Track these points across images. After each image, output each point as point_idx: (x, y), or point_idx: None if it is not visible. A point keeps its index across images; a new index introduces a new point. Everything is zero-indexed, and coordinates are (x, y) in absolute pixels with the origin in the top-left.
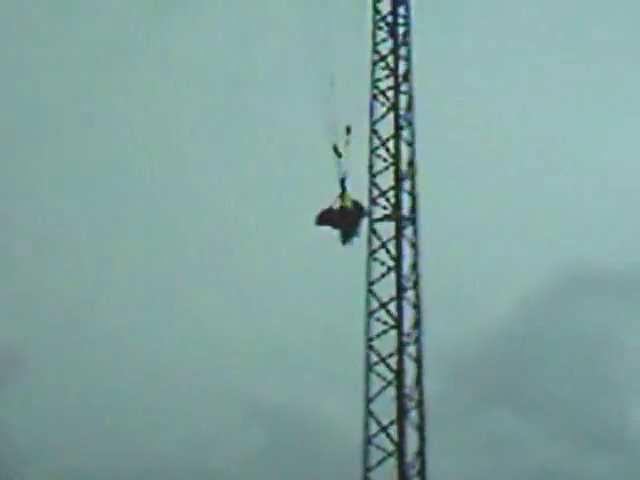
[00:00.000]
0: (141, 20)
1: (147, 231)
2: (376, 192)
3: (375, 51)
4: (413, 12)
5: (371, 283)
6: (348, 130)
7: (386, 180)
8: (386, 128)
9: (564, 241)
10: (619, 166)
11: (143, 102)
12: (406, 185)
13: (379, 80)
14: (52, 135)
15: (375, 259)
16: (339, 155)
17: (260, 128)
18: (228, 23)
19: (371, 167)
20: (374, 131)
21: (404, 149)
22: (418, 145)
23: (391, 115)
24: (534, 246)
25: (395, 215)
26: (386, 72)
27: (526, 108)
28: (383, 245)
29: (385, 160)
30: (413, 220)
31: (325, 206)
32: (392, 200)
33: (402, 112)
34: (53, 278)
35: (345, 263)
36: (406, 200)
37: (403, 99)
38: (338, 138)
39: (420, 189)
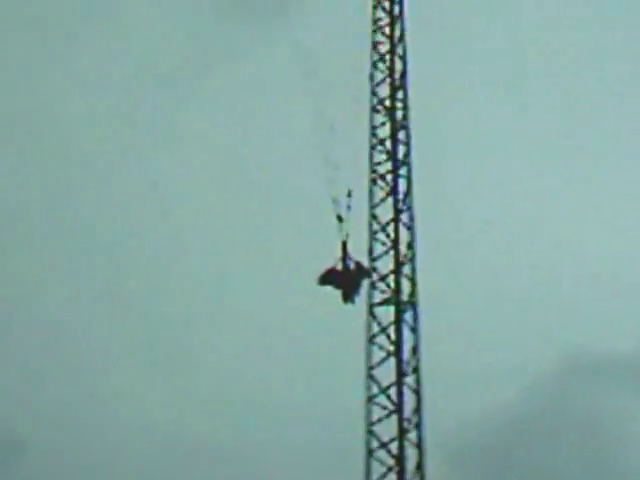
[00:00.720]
0: (156, 94)
1: (144, 295)
2: (376, 276)
3: (373, 134)
4: (411, 96)
5: (371, 368)
6: (349, 194)
7: (386, 264)
8: (385, 212)
9: (569, 324)
10: (622, 251)
11: (152, 174)
12: (406, 269)
13: (378, 164)
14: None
15: (374, 343)
16: (341, 220)
17: (267, 193)
18: (241, 106)
19: (370, 251)
20: (373, 216)
21: (403, 233)
22: (418, 229)
23: (390, 199)
24: (538, 330)
25: (395, 299)
26: (384, 156)
27: (531, 193)
28: (383, 330)
29: (384, 244)
30: (413, 304)
31: (328, 266)
32: (392, 284)
33: (401, 196)
34: (52, 361)
35: (345, 345)
36: (406, 284)
37: (402, 182)
38: (340, 206)
39: (420, 273)
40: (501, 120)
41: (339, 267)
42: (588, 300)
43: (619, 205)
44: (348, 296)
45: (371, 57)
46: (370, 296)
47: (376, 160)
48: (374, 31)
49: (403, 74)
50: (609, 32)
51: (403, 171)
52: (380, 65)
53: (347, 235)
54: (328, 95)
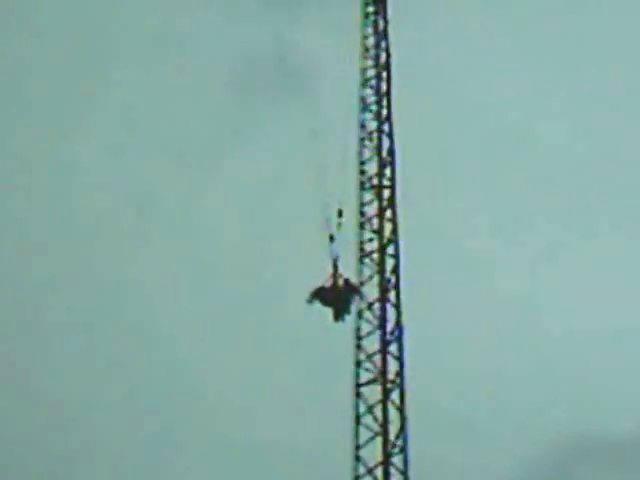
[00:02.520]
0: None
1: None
2: (362, 355)
3: (361, 213)
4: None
5: (357, 447)
6: (340, 213)
7: (371, 343)
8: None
9: (566, 405)
10: (620, 330)
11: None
12: (392, 348)
13: (366, 242)
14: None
15: (360, 423)
16: (332, 239)
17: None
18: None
19: (358, 330)
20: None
21: (390, 312)
22: (405, 308)
23: (377, 278)
24: (533, 411)
25: (381, 379)
26: (371, 235)
27: (524, 270)
28: (369, 410)
29: (370, 323)
30: (399, 384)
31: (318, 284)
32: (378, 363)
33: (388, 274)
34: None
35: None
36: (392, 363)
37: (390, 261)
38: (331, 223)
39: (408, 350)
40: (488, 189)
41: (329, 284)
42: (585, 380)
43: (620, 281)
44: (338, 314)
45: (359, 135)
46: (356, 376)
47: (364, 238)
48: (362, 109)
49: (391, 151)
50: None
51: (391, 250)
52: (368, 143)
53: (337, 254)
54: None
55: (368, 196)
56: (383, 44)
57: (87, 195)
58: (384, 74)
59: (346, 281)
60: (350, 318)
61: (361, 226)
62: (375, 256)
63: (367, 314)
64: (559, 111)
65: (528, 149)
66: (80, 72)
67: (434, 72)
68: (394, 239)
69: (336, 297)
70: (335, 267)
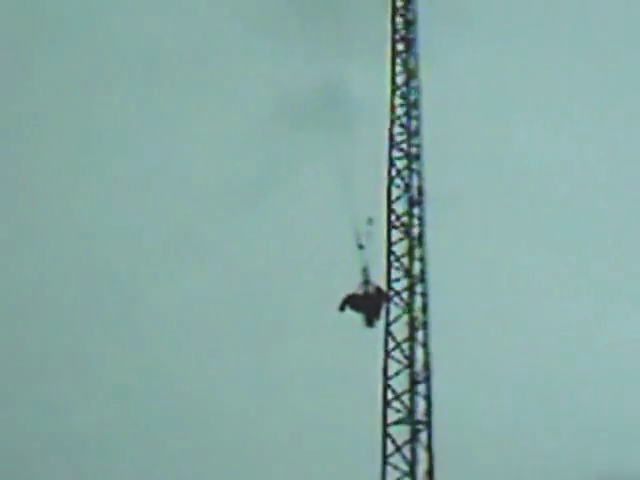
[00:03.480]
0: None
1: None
2: (390, 395)
3: (390, 252)
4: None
5: None
6: (370, 221)
7: (401, 383)
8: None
9: (595, 443)
10: None
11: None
12: (421, 388)
13: (396, 280)
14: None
15: (388, 463)
16: (362, 247)
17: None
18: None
19: (385, 370)
20: (389, 332)
21: (419, 351)
22: (434, 348)
23: (406, 317)
24: (561, 449)
25: (409, 419)
26: (401, 273)
27: (545, 310)
28: (398, 449)
29: (400, 362)
30: (428, 424)
31: (349, 292)
32: (407, 403)
33: (417, 313)
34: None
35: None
36: (421, 404)
37: (418, 300)
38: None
39: (436, 392)
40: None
41: (360, 292)
42: (615, 418)
43: None
44: (370, 320)
45: (388, 173)
46: (384, 416)
47: (393, 277)
48: (391, 146)
49: (420, 189)
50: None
51: (420, 288)
52: (398, 181)
53: (367, 263)
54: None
55: (397, 235)
56: (413, 82)
57: (123, 227)
58: (414, 112)
59: (378, 289)
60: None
61: (389, 264)
62: (404, 295)
63: (396, 353)
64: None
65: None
66: (130, 108)
67: (464, 108)
68: (423, 278)
69: (367, 304)
70: (365, 275)
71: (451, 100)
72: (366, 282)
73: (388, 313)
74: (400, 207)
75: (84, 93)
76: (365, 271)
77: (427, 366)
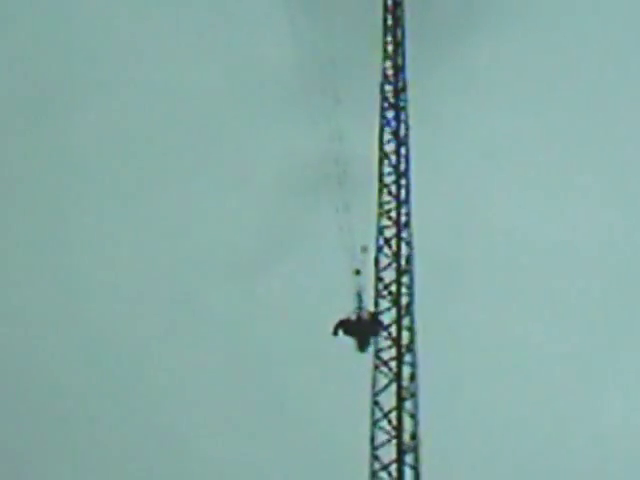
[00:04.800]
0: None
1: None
2: (377, 465)
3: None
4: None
5: None
6: (364, 249)
7: (388, 453)
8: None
9: None
10: None
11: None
12: (409, 459)
13: (381, 350)
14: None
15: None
16: (357, 273)
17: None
18: None
19: (372, 440)
20: (376, 402)
21: (407, 421)
22: (422, 416)
23: (393, 386)
24: None
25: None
26: (389, 342)
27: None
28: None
29: (387, 432)
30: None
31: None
32: (394, 474)
33: (405, 383)
34: None
35: None
36: (409, 475)
37: (406, 370)
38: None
39: (423, 461)
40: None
41: (353, 317)
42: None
43: None
44: (362, 345)
45: (377, 241)
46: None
47: (380, 346)
48: (380, 214)
49: (408, 258)
50: None
51: (408, 358)
52: (386, 250)
53: (361, 288)
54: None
55: (385, 304)
56: (402, 151)
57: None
58: (402, 181)
59: (370, 314)
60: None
61: (377, 368)
62: (392, 364)
63: (383, 423)
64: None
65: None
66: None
67: (452, 176)
68: (411, 347)
69: (360, 329)
70: (360, 300)
71: (440, 166)
72: (360, 307)
73: (374, 384)
74: (388, 276)
75: (87, 159)
76: (359, 296)
77: (415, 436)
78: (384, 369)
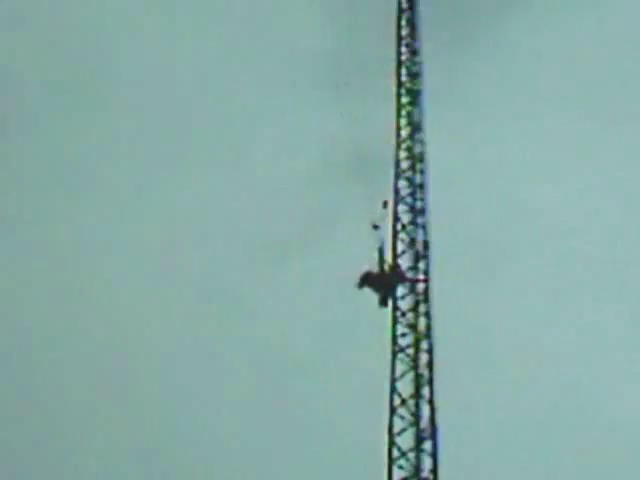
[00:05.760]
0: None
1: None
2: (396, 452)
3: (395, 308)
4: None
5: None
6: (385, 204)
7: (406, 440)
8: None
9: None
10: None
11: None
12: (427, 446)
13: (402, 336)
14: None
15: None
16: (377, 228)
17: None
18: None
19: (391, 427)
20: (394, 389)
21: (425, 408)
22: (439, 404)
23: (411, 374)
24: None
25: (416, 477)
26: (406, 330)
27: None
28: None
29: (404, 419)
30: None
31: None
32: (412, 461)
33: (421, 369)
34: None
35: None
36: (427, 461)
37: (424, 356)
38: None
39: (443, 451)
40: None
41: (376, 270)
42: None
43: None
44: (384, 299)
45: (393, 228)
46: (389, 474)
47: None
48: (397, 201)
49: (426, 244)
50: None
51: (425, 344)
52: (402, 235)
53: (382, 242)
54: None
55: (402, 290)
56: (418, 135)
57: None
58: (418, 166)
59: (393, 267)
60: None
61: (395, 320)
62: (409, 351)
63: (401, 410)
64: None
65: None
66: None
67: (468, 162)
68: (428, 334)
69: (383, 281)
70: (381, 254)
71: (456, 150)
72: (382, 260)
73: (394, 371)
74: (405, 262)
75: (110, 145)
76: (380, 251)
77: (433, 423)
78: (401, 356)
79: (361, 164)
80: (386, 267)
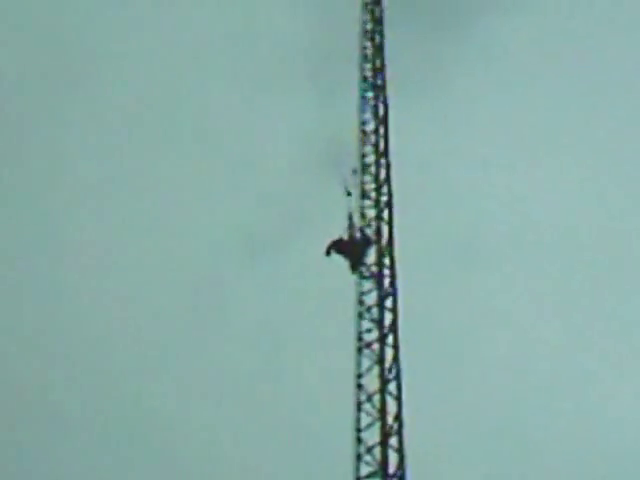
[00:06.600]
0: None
1: None
2: (361, 448)
3: (360, 302)
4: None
5: None
6: (355, 172)
7: (372, 436)
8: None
9: None
10: None
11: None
12: (393, 441)
13: (368, 331)
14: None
15: None
16: (349, 194)
17: None
18: None
19: (358, 421)
20: (359, 385)
21: (390, 403)
22: (405, 399)
23: (376, 369)
24: None
25: (381, 473)
26: (371, 324)
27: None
28: None
29: (370, 415)
30: (401, 478)
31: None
32: (378, 456)
33: (388, 365)
34: None
35: None
36: (392, 455)
37: (389, 352)
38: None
39: (407, 442)
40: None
41: (345, 237)
42: None
43: None
44: (354, 265)
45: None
46: (356, 469)
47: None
48: (362, 197)
49: (390, 239)
50: None
51: (390, 340)
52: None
53: (353, 209)
54: None
55: (367, 285)
56: (382, 130)
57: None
58: (383, 161)
59: (362, 232)
60: None
61: (360, 316)
62: (375, 347)
63: (367, 406)
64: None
65: None
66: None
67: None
68: (394, 329)
69: (352, 248)
70: (350, 220)
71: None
72: (351, 227)
73: (359, 366)
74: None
75: (96, 142)
76: (350, 217)
77: (399, 419)
78: (367, 351)
79: (337, 158)
80: (356, 233)
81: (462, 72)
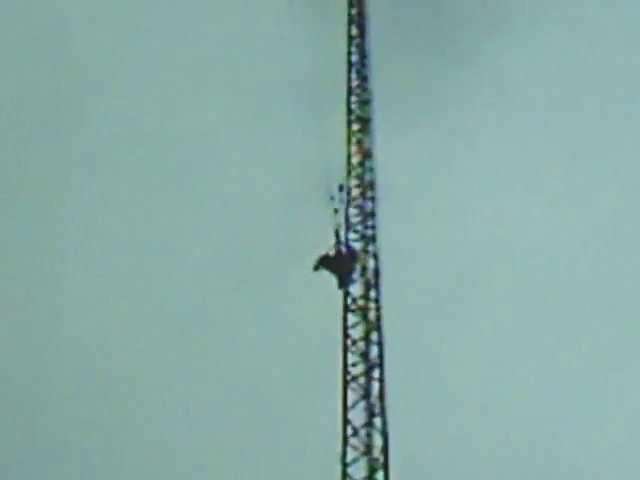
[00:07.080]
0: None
1: None
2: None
3: (346, 336)
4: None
5: None
6: (341, 188)
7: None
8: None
9: None
10: None
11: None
12: (379, 476)
13: (353, 365)
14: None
15: None
16: (336, 212)
17: None
18: None
19: (344, 456)
20: (347, 421)
21: (376, 437)
22: (391, 434)
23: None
24: None
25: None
26: (357, 358)
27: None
28: None
29: (356, 449)
30: None
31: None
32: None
33: (373, 399)
34: None
35: None
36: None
37: (375, 386)
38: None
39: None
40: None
41: (332, 252)
42: None
43: None
44: (342, 281)
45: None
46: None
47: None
48: (347, 230)
49: (377, 272)
50: None
51: (376, 374)
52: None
53: (339, 225)
54: None
55: (354, 319)
56: (368, 163)
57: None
58: (369, 193)
59: (348, 248)
60: None
61: (346, 349)
62: (361, 380)
63: (353, 440)
64: None
65: None
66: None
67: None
68: (381, 363)
69: (340, 263)
70: (337, 236)
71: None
72: (338, 243)
73: (345, 401)
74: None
75: (83, 170)
76: (337, 232)
77: (385, 452)
78: (354, 385)
79: (328, 186)
80: (343, 249)
81: (457, 100)
